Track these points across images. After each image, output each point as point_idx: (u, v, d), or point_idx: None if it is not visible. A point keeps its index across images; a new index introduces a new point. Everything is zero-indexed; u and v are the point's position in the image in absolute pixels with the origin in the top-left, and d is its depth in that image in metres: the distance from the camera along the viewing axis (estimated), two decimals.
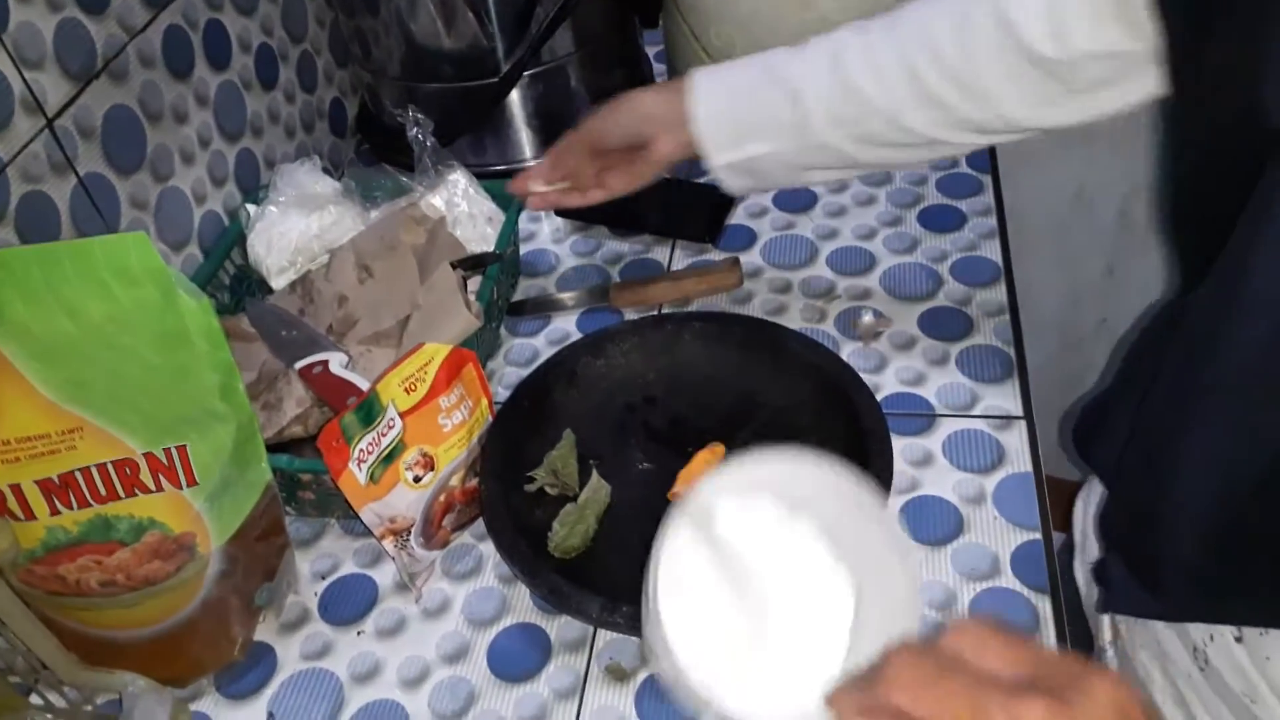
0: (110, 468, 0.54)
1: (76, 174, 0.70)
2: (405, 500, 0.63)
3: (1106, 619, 0.68)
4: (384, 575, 0.69)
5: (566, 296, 0.87)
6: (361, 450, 0.60)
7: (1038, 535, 0.65)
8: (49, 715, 0.62)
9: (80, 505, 0.55)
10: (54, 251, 0.49)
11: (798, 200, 0.93)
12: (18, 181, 0.65)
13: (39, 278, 0.48)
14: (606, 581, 0.61)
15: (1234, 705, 0.57)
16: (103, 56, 0.72)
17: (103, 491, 0.55)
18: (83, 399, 0.52)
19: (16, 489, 0.53)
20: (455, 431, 0.65)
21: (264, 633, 0.66)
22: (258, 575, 0.63)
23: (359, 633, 0.66)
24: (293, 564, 0.68)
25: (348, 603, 0.68)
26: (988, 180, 0.92)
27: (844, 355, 0.76)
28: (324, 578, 0.69)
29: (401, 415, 0.62)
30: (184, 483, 0.56)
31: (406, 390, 0.62)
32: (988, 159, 0.94)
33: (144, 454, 0.54)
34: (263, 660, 0.65)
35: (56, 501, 0.54)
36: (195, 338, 0.52)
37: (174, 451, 0.55)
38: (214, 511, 0.58)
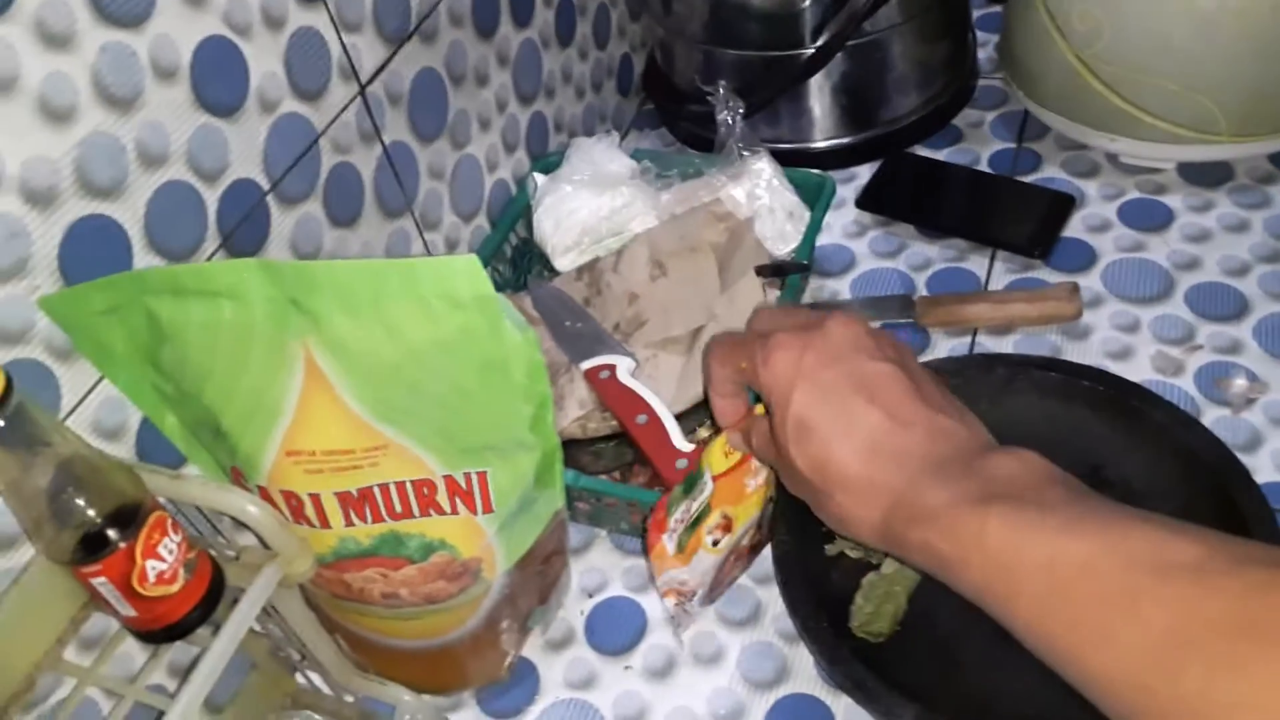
0: (409, 486, 0.51)
1: (382, 143, 0.67)
2: (702, 566, 0.57)
3: None
4: (653, 604, 0.64)
5: (864, 304, 0.78)
6: (675, 521, 0.55)
7: None
8: (314, 700, 0.61)
9: (374, 520, 0.52)
10: (381, 269, 0.44)
11: (1149, 216, 0.79)
12: (329, 152, 0.62)
13: (364, 294, 0.45)
14: (916, 676, 0.53)
15: None
16: (417, 16, 0.68)
17: (398, 509, 0.51)
18: (391, 418, 0.48)
19: (316, 499, 0.50)
20: (757, 490, 0.58)
21: (529, 648, 0.63)
22: (534, 597, 0.60)
23: (626, 667, 0.62)
24: (568, 584, 0.64)
25: (615, 629, 0.64)
26: None
27: (1206, 422, 0.64)
28: (591, 595, 0.65)
29: (714, 478, 0.56)
30: (480, 509, 0.52)
31: (725, 454, 0.55)
32: None
33: (444, 476, 0.51)
34: (526, 679, 0.62)
35: (353, 514, 0.51)
36: (514, 369, 0.47)
37: (474, 476, 0.51)
38: (504, 537, 0.54)
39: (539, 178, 0.81)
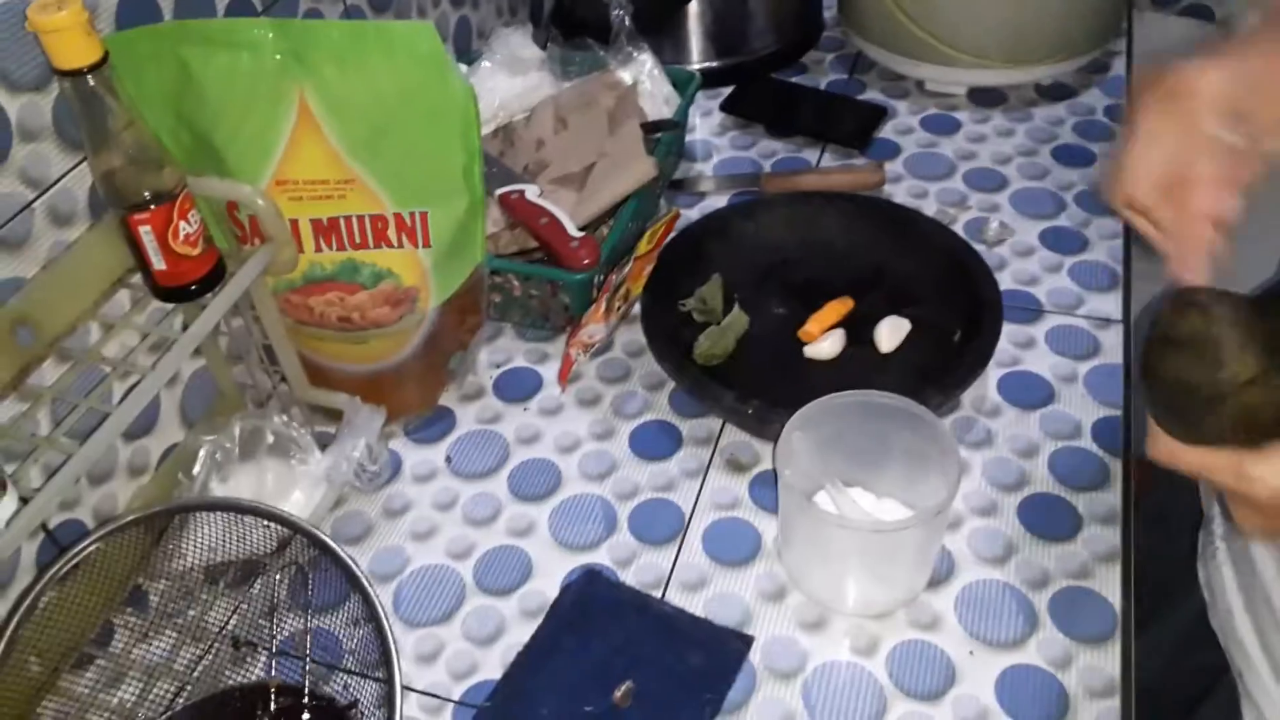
0: (367, 220, 0.67)
1: (344, 4, 0.84)
2: (609, 325, 0.78)
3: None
4: (549, 371, 0.82)
5: (722, 179, 0.98)
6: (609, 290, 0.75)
7: (1119, 413, 0.74)
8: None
9: (338, 248, 0.68)
10: (363, 29, 0.62)
11: (942, 125, 1.02)
12: None
13: (349, 48, 0.61)
14: (737, 385, 0.72)
15: None
16: None
17: (357, 239, 0.68)
18: (361, 157, 0.65)
19: (294, 223, 0.66)
20: (646, 275, 0.78)
21: (446, 399, 0.80)
22: (454, 343, 0.77)
23: (524, 409, 0.79)
24: (480, 344, 0.81)
25: (517, 387, 0.81)
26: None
27: None
28: (499, 366, 0.83)
29: (635, 260, 0.75)
30: (420, 243, 0.69)
31: (648, 241, 0.75)
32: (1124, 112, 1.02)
33: (394, 213, 0.67)
34: (444, 419, 0.79)
35: (322, 240, 0.68)
36: (454, 117, 0.64)
37: (417, 215, 0.68)
38: (437, 275, 0.71)
39: (463, 68, 0.99)
